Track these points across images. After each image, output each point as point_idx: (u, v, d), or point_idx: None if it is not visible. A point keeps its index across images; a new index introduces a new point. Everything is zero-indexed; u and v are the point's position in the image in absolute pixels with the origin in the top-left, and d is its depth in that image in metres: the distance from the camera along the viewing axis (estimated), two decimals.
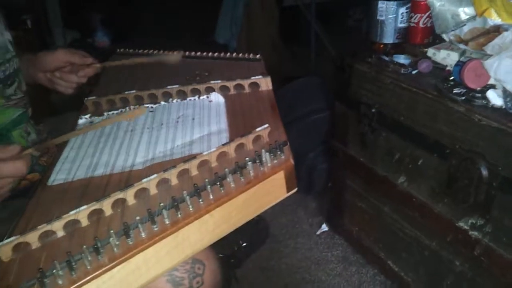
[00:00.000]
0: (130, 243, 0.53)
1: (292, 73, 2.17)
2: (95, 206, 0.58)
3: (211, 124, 0.76)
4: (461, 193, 1.00)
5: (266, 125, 0.69)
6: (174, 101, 0.87)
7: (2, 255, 0.55)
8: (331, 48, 2.54)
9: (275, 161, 0.62)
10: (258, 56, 0.99)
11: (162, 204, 0.56)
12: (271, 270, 1.47)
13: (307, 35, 2.71)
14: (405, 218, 1.21)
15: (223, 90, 0.87)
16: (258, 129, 0.68)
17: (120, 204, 0.60)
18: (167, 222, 0.55)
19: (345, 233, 1.52)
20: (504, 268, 0.95)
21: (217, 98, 0.85)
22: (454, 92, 0.99)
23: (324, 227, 1.61)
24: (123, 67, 1.02)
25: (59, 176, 0.69)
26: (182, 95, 0.88)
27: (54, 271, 0.49)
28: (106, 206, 0.59)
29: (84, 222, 0.58)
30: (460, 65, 0.99)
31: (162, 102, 0.87)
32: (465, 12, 1.11)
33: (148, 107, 0.86)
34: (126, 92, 0.89)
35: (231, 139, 0.67)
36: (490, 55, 0.99)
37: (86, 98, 0.90)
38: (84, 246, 0.51)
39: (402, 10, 1.21)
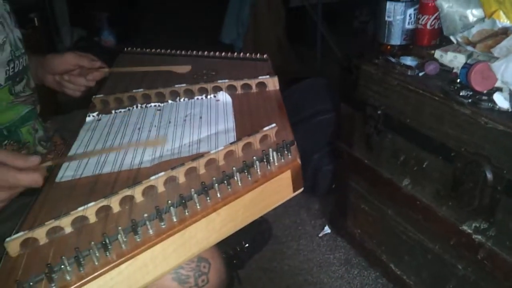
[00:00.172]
0: (138, 240, 0.53)
1: (298, 74, 2.16)
2: (103, 203, 0.58)
3: (218, 123, 0.76)
4: (466, 196, 0.99)
5: (274, 125, 0.69)
6: (182, 100, 0.87)
7: (10, 251, 0.55)
8: (337, 49, 2.54)
9: (282, 160, 0.62)
10: (265, 56, 0.99)
11: (169, 201, 0.56)
12: (273, 271, 1.47)
13: (313, 36, 2.71)
14: (409, 221, 1.21)
15: (231, 89, 0.87)
16: (265, 128, 0.68)
17: (128, 201, 0.60)
18: (175, 220, 0.55)
19: (348, 236, 1.52)
20: (508, 272, 0.94)
21: (224, 97, 0.85)
22: (460, 94, 0.99)
23: (327, 229, 1.61)
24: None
25: (67, 173, 0.69)
26: (190, 94, 0.88)
27: (62, 266, 0.50)
28: (114, 203, 0.59)
29: (92, 218, 0.58)
30: (467, 67, 0.99)
31: (170, 101, 0.87)
32: (473, 14, 1.10)
33: (156, 105, 0.86)
34: (134, 91, 0.89)
35: (239, 138, 0.67)
36: (497, 58, 0.99)
37: (94, 96, 0.90)
38: (92, 243, 0.51)
39: (410, 11, 1.21)
